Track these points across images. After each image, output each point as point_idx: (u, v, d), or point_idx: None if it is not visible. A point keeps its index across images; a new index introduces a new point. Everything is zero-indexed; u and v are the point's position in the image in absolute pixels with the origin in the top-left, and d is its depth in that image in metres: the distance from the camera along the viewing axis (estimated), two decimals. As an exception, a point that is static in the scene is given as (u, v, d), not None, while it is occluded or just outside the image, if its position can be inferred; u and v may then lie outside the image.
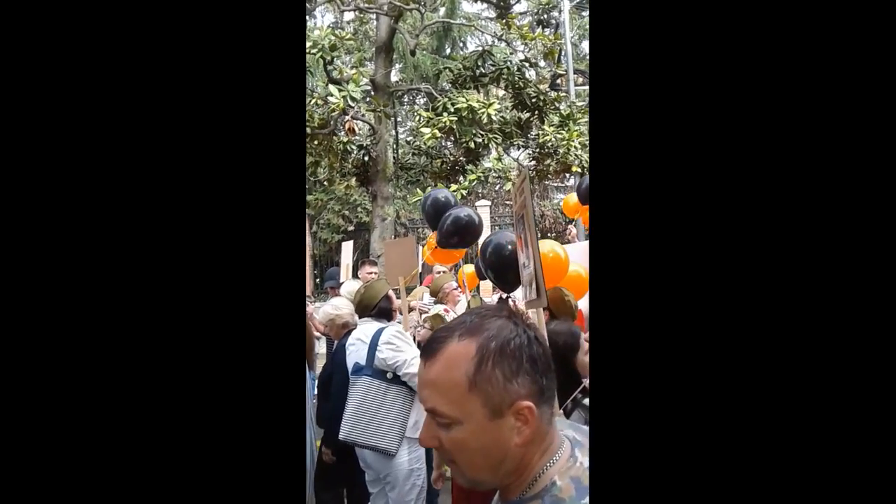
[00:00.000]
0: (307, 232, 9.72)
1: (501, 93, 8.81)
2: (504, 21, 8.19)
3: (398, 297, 2.78)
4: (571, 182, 10.06)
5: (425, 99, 9.78)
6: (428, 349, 0.69)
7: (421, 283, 4.30)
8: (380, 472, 2.47)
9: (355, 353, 2.53)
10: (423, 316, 3.60)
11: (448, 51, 12.74)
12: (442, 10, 11.10)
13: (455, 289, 4.03)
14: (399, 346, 2.42)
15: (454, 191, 7.10)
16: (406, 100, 12.41)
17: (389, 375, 2.42)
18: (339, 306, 2.87)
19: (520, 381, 0.65)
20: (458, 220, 2.89)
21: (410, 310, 3.45)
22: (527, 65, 7.90)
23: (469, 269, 4.03)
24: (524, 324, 0.70)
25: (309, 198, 10.33)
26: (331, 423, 2.67)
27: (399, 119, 10.74)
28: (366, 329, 2.55)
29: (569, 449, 0.70)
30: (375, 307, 2.57)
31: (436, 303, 4.00)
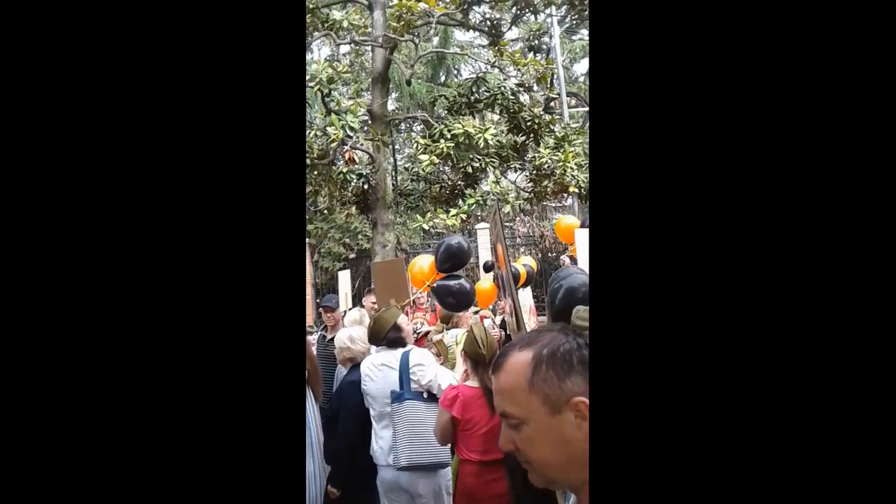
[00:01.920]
0: (308, 261, 9.76)
1: (496, 117, 8.94)
2: (496, 48, 8.37)
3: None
4: (570, 202, 10.13)
5: (422, 126, 9.93)
6: (496, 363, 0.80)
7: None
8: (417, 492, 2.50)
9: (383, 379, 2.55)
10: (429, 342, 3.60)
11: (443, 78, 12.99)
12: (435, 40, 11.36)
13: (465, 313, 4.05)
14: (428, 366, 2.54)
15: (454, 215, 7.15)
16: (403, 127, 12.59)
17: (425, 395, 2.54)
18: (355, 339, 2.87)
19: (573, 380, 0.72)
20: (450, 248, 3.16)
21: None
22: (521, 89, 8.05)
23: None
24: (574, 333, 0.77)
25: (309, 227, 10.38)
26: (337, 460, 2.64)
27: (397, 146, 10.88)
28: (387, 356, 2.61)
29: None
30: (385, 337, 2.63)
31: (448, 329, 3.99)
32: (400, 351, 2.59)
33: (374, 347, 2.72)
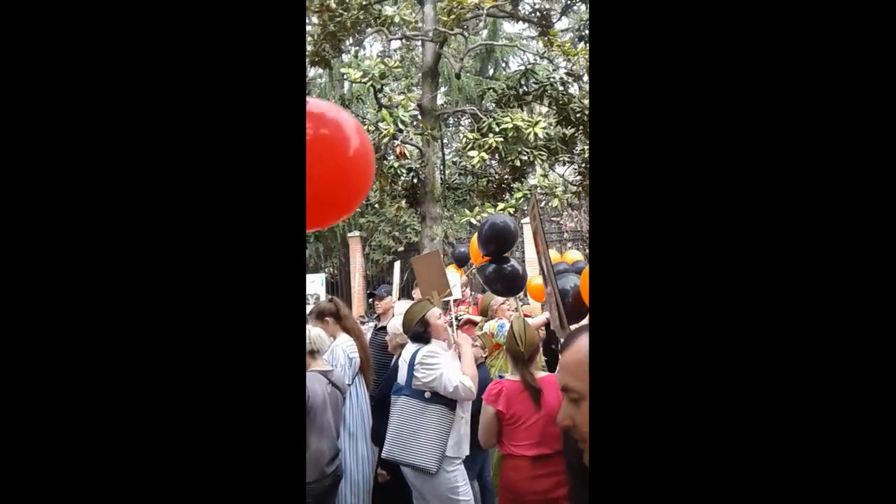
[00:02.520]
0: (360, 253, 10.02)
1: (544, 110, 8.83)
2: (546, 39, 8.25)
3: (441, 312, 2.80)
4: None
5: (470, 120, 9.94)
6: (566, 341, 0.84)
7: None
8: (422, 492, 2.51)
9: (398, 374, 2.63)
10: (475, 334, 3.64)
11: (491, 71, 12.91)
12: (484, 33, 11.31)
13: (503, 303, 4.04)
14: (432, 365, 2.45)
15: (501, 209, 7.15)
16: (451, 121, 12.64)
17: (427, 395, 2.47)
18: (397, 326, 2.96)
19: None
20: (494, 227, 2.89)
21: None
22: (570, 80, 7.91)
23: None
24: None
25: (361, 220, 10.66)
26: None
27: (445, 140, 10.95)
28: (406, 351, 2.62)
29: None
30: (410, 331, 2.63)
31: (486, 321, 4.02)
32: (416, 347, 2.56)
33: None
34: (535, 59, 9.18)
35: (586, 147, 7.64)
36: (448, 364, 2.49)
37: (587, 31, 10.92)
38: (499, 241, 2.87)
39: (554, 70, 8.10)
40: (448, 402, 2.47)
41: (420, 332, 2.59)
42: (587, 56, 7.63)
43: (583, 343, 0.78)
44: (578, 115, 7.71)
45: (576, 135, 7.97)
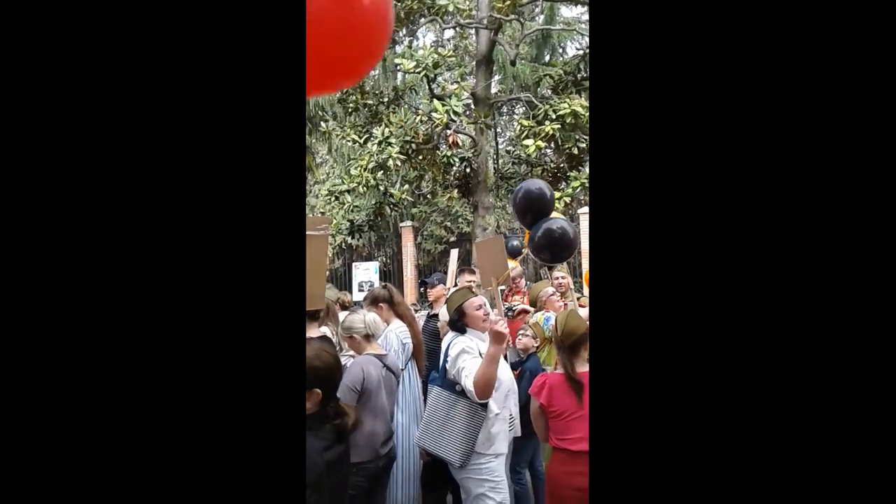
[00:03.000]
0: (412, 242, 10.12)
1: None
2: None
3: (491, 299, 2.73)
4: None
5: (524, 107, 9.77)
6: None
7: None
8: (456, 479, 2.49)
9: (439, 363, 2.61)
10: (524, 324, 3.56)
11: (547, 58, 12.61)
12: (540, 19, 11.04)
13: (552, 294, 3.94)
14: (456, 358, 2.38)
15: (558, 198, 6.97)
16: (505, 110, 12.48)
17: (458, 388, 2.40)
18: (444, 314, 2.94)
19: None
20: (551, 233, 2.68)
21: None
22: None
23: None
24: None
25: (413, 210, 10.74)
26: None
27: (499, 129, 10.83)
28: (445, 340, 2.61)
29: None
30: (449, 320, 2.58)
31: (536, 311, 3.93)
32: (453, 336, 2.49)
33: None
34: (593, 44, 8.84)
35: (648, 134, 7.30)
36: (471, 360, 2.38)
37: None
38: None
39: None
40: None
41: (455, 320, 2.55)
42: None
43: None
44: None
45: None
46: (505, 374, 2.53)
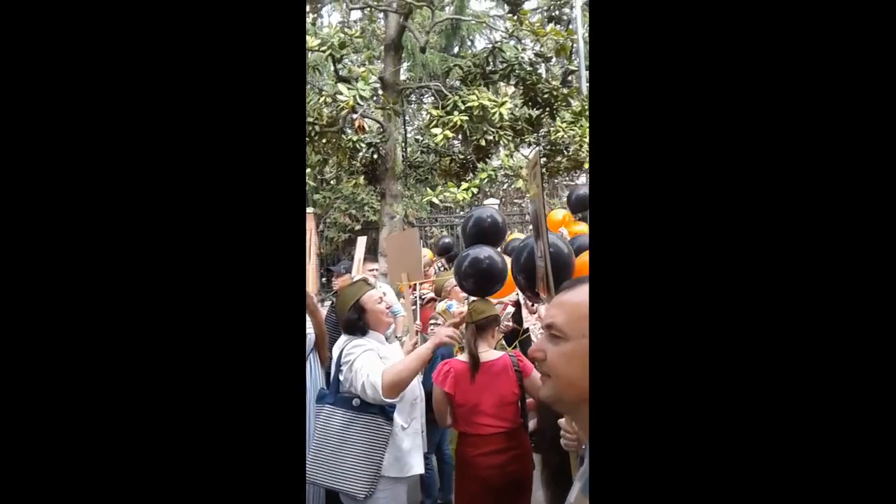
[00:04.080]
0: (314, 231, 9.67)
1: (511, 90, 8.71)
2: (516, 17, 8.11)
3: (401, 296, 2.57)
4: (581, 179, 9.95)
5: (433, 97, 9.71)
6: (567, 284, 0.85)
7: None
8: None
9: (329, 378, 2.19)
10: (435, 311, 3.52)
11: (456, 49, 12.68)
12: (449, 9, 11.03)
13: (455, 286, 3.95)
14: (353, 364, 1.94)
15: (465, 189, 7.01)
16: (413, 98, 12.36)
17: (356, 403, 1.97)
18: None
19: None
20: (478, 262, 2.40)
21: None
22: (539, 61, 7.82)
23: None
24: None
25: (316, 196, 10.27)
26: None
27: (407, 117, 10.68)
28: (335, 348, 2.13)
29: None
30: (344, 320, 2.10)
31: (440, 300, 3.92)
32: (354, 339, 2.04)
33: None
34: (502, 39, 9.01)
35: (552, 129, 7.59)
36: (369, 359, 1.95)
37: (556, 12, 10.86)
38: (482, 279, 2.40)
39: (522, 50, 7.97)
40: (383, 411, 1.97)
41: (353, 319, 2.08)
42: (557, 36, 7.55)
43: (584, 290, 0.79)
44: (546, 97, 7.64)
45: (542, 116, 7.90)
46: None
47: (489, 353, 2.33)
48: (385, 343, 2.20)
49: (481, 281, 2.45)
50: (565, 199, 4.20)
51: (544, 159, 8.05)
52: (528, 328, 4.15)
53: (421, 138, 9.53)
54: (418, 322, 3.28)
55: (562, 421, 1.38)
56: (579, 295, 0.79)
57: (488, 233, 2.62)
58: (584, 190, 3.70)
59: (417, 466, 2.17)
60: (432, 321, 3.35)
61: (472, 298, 2.56)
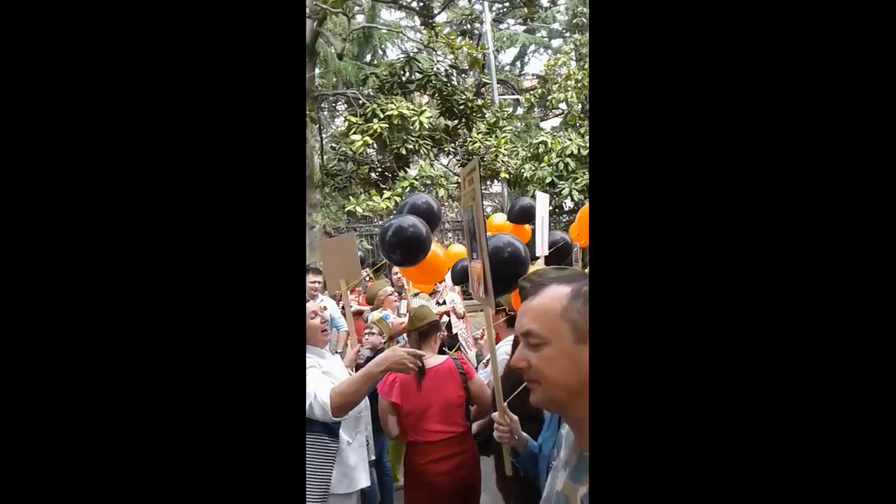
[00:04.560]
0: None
1: (425, 99, 8.85)
2: (430, 29, 8.27)
3: (341, 304, 2.54)
4: (498, 188, 10.33)
5: (346, 105, 9.59)
6: (530, 290, 0.86)
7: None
8: None
9: None
10: (370, 321, 3.50)
11: (368, 57, 12.62)
12: (360, 17, 10.97)
13: (390, 294, 3.96)
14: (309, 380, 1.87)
15: (387, 197, 7.00)
16: (324, 106, 12.09)
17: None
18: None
19: None
20: (402, 231, 2.48)
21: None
22: (454, 72, 8.03)
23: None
24: None
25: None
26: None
27: (321, 125, 10.42)
28: None
29: None
30: None
31: (372, 310, 3.89)
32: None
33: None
34: (414, 49, 9.14)
35: (468, 139, 7.81)
36: (313, 376, 1.89)
37: (468, 26, 11.21)
38: (408, 249, 2.45)
39: (438, 62, 8.14)
40: (327, 427, 1.91)
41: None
42: (471, 49, 7.80)
43: (554, 291, 0.82)
44: (462, 108, 7.84)
45: (458, 126, 8.11)
46: None
47: (433, 358, 2.37)
48: (326, 356, 2.13)
49: (407, 251, 2.47)
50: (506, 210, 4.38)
51: (461, 168, 8.26)
52: (456, 333, 4.25)
53: (336, 146, 9.36)
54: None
55: (495, 415, 1.42)
56: (546, 298, 0.81)
57: (424, 216, 2.67)
58: (526, 201, 3.93)
59: (364, 479, 2.18)
60: (367, 331, 3.32)
61: (406, 306, 2.59)
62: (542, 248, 3.14)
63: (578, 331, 0.77)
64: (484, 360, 2.61)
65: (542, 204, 3.22)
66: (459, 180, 1.96)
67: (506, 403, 1.47)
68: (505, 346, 2.47)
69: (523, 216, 3.79)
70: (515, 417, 1.41)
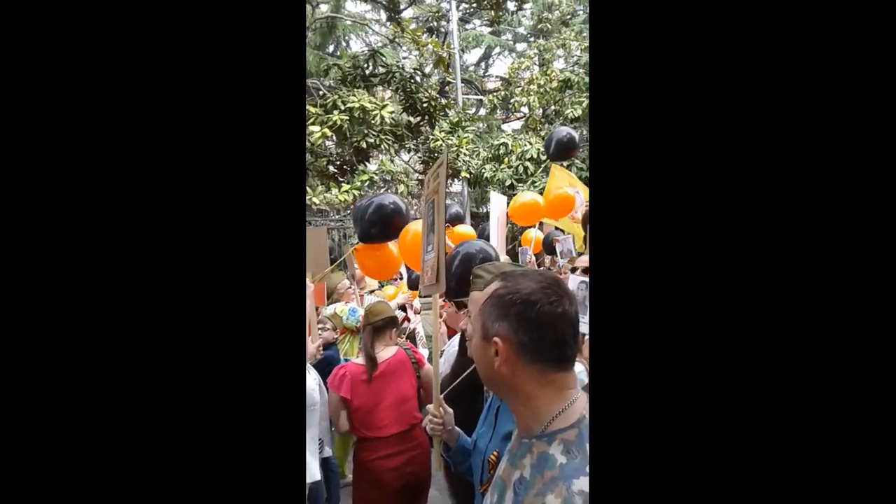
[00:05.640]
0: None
1: (387, 94, 8.77)
2: (397, 23, 8.19)
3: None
4: (458, 188, 10.36)
5: (308, 95, 9.37)
6: (478, 284, 0.97)
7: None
8: None
9: None
10: (321, 315, 3.44)
11: (331, 48, 12.38)
12: (325, 7, 10.75)
13: (349, 287, 3.92)
14: None
15: (345, 190, 6.89)
16: (286, 95, 11.74)
17: None
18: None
19: (499, 325, 0.83)
20: (382, 208, 2.58)
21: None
22: (419, 69, 8.00)
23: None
24: (555, 292, 0.82)
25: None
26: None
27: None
28: None
29: (581, 406, 0.82)
30: None
31: (330, 304, 3.83)
32: None
33: None
34: (379, 43, 9.03)
35: (431, 136, 7.79)
36: None
37: (435, 23, 11.18)
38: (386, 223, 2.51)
39: (404, 57, 8.08)
40: None
41: None
42: (437, 47, 7.79)
43: (487, 289, 0.87)
44: (425, 105, 7.81)
45: (421, 124, 8.08)
46: (309, 382, 2.28)
47: (385, 350, 2.35)
48: None
49: (385, 226, 2.54)
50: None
51: (422, 166, 8.23)
52: (414, 328, 4.25)
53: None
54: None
55: (429, 406, 1.44)
56: (482, 295, 0.88)
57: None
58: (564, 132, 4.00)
59: (315, 473, 2.20)
60: (319, 326, 3.26)
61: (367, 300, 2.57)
62: (497, 247, 3.17)
63: (484, 330, 0.85)
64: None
65: (498, 205, 3.25)
66: (425, 178, 1.94)
67: (443, 396, 1.47)
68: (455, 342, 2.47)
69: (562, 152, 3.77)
70: (450, 410, 1.42)
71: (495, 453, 1.20)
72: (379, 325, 2.38)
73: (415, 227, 2.74)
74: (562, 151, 3.81)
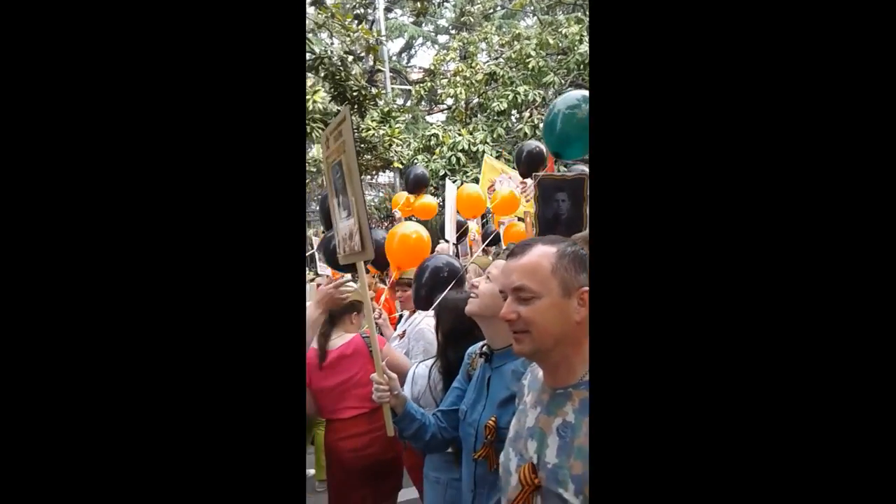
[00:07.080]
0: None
1: (311, 81, 8.51)
2: (325, 8, 7.95)
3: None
4: (384, 179, 10.33)
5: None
6: (517, 250, 0.96)
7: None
8: None
9: None
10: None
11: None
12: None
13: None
14: None
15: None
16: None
17: None
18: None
19: (583, 276, 0.92)
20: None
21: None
22: (349, 57, 7.84)
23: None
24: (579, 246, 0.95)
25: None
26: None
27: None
28: None
29: None
30: None
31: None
32: None
33: None
34: (310, 30, 8.72)
35: (361, 127, 7.70)
36: None
37: (362, 10, 10.96)
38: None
39: (331, 44, 7.88)
40: None
41: None
42: (367, 35, 7.67)
43: (542, 250, 0.94)
44: (355, 94, 7.69)
45: (351, 113, 7.91)
46: None
47: (342, 337, 2.38)
48: None
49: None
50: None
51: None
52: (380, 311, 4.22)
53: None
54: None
55: (373, 375, 1.46)
56: (535, 257, 0.92)
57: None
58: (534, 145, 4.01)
59: None
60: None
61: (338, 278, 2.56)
62: (450, 234, 3.29)
63: (566, 286, 0.91)
64: (399, 332, 2.67)
65: (451, 193, 3.37)
66: (322, 136, 1.75)
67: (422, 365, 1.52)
68: (427, 321, 2.50)
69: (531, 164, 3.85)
70: (394, 375, 1.46)
71: (493, 418, 1.31)
72: (338, 312, 2.40)
73: (402, 229, 2.80)
74: (532, 163, 3.89)
